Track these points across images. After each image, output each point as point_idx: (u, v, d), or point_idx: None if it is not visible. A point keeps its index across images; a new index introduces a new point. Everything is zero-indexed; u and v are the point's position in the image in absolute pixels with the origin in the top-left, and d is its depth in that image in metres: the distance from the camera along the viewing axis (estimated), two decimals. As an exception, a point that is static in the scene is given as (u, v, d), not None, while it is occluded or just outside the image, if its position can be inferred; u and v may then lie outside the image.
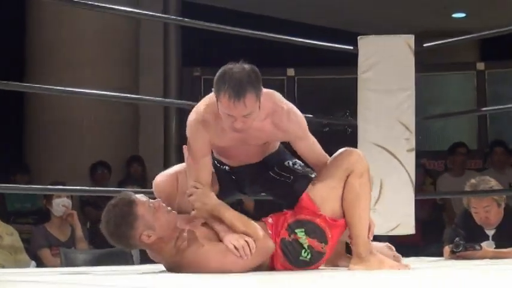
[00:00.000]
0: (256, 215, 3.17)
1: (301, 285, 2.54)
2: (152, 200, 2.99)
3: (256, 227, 3.01)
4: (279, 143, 3.33)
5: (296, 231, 3.09)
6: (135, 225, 2.90)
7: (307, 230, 3.08)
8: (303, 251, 3.09)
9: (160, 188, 3.23)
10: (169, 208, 3.00)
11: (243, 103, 2.90)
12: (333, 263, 3.33)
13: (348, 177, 3.10)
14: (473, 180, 4.41)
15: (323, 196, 3.11)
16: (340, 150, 3.17)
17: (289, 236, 3.09)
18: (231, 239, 2.94)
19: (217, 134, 3.09)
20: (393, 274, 2.94)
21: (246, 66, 2.97)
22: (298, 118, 3.14)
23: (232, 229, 2.98)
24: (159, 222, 2.93)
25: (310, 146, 3.19)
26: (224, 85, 2.91)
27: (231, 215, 3.02)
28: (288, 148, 3.34)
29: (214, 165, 3.24)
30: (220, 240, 2.98)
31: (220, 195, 3.16)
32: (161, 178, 3.25)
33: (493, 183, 4.36)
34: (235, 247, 2.92)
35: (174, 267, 2.99)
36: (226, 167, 3.29)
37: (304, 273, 3.02)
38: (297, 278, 2.79)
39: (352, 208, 3.10)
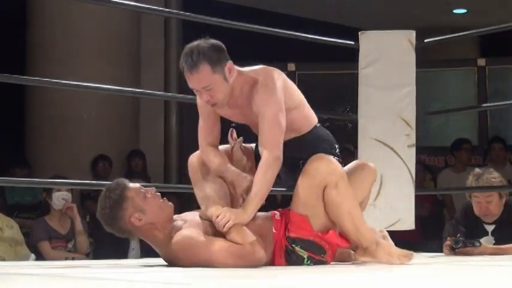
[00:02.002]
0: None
1: (301, 282, 2.55)
2: (146, 188, 3.05)
3: (247, 233, 2.98)
4: (313, 126, 3.30)
5: (293, 246, 3.10)
6: (124, 205, 2.96)
7: (303, 247, 3.11)
8: (305, 260, 3.12)
9: (193, 164, 3.28)
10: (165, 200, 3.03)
11: (196, 75, 2.99)
12: (341, 259, 3.32)
13: (324, 190, 3.07)
14: (477, 170, 4.42)
15: (308, 215, 3.09)
16: (310, 160, 3.08)
17: (290, 246, 3.11)
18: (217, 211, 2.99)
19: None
20: (392, 271, 2.94)
21: (209, 40, 3.03)
22: (265, 94, 3.06)
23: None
24: (150, 207, 2.98)
25: (264, 127, 3.06)
26: (183, 60, 3.02)
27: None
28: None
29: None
30: (213, 235, 2.98)
31: None
32: (193, 157, 3.29)
33: (496, 174, 4.36)
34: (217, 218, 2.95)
35: (168, 255, 3.01)
36: None
37: (307, 268, 3.03)
38: (297, 275, 2.80)
39: (339, 216, 3.09)
